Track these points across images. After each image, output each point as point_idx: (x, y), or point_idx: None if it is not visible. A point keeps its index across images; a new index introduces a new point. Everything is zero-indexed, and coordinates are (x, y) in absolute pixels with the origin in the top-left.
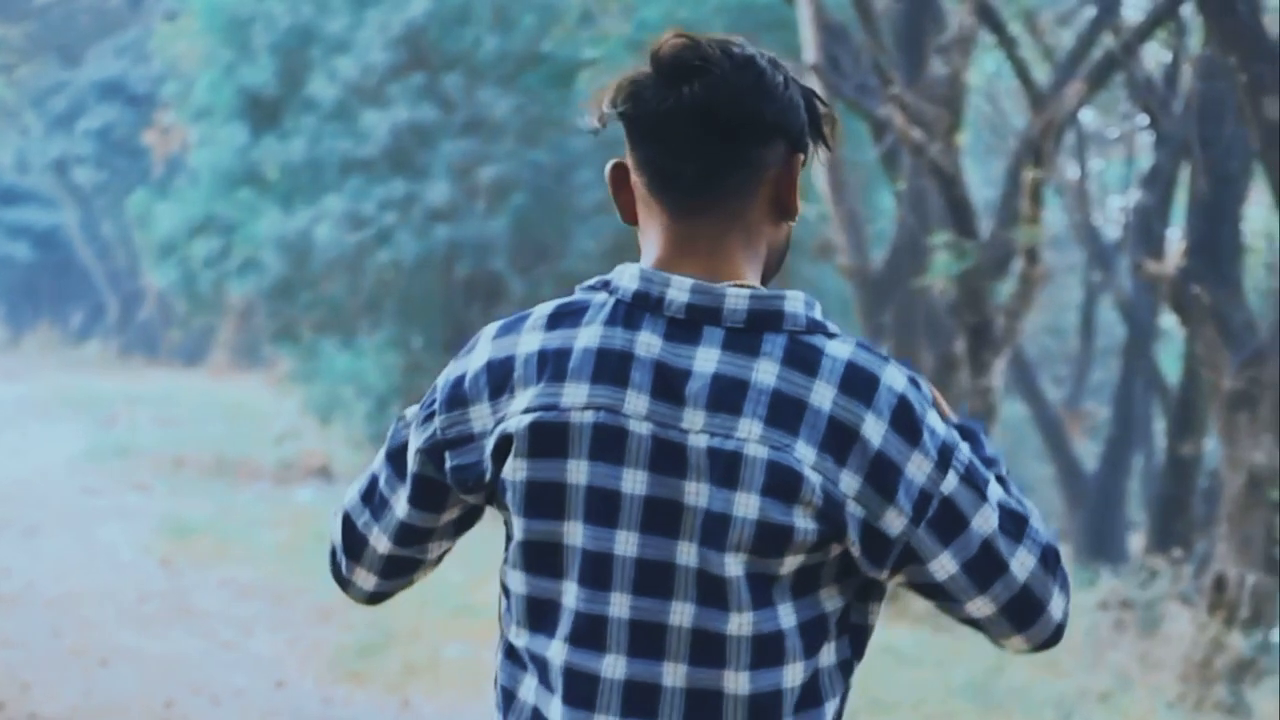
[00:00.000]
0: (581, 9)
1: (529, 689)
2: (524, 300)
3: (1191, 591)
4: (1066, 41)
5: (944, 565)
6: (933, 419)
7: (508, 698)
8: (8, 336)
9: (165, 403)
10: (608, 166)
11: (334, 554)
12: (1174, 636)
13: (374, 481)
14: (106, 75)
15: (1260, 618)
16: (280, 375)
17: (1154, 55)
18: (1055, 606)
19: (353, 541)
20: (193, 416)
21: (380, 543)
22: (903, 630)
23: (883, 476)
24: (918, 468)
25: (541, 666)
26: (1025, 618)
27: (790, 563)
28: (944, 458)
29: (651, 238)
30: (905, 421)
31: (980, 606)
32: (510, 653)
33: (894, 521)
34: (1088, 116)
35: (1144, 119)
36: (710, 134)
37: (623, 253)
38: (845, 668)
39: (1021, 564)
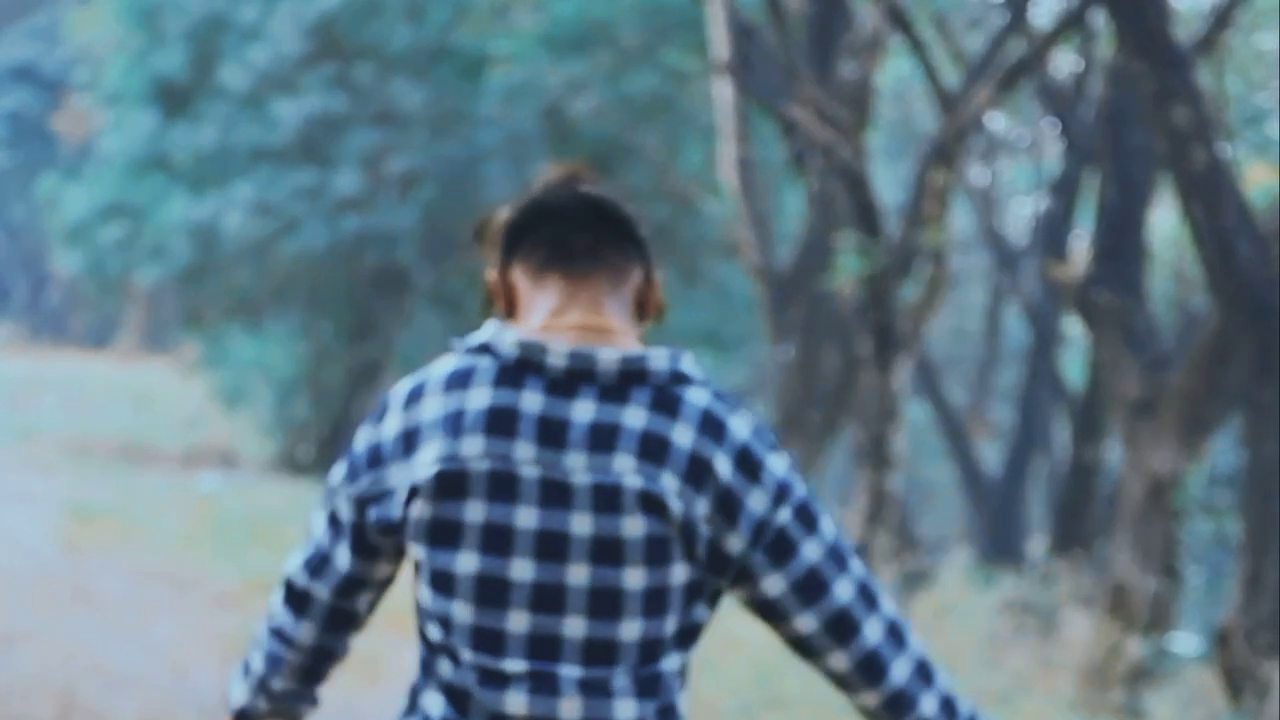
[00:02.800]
0: (493, 3)
1: (444, 666)
2: (431, 291)
3: (1091, 595)
4: (977, 46)
5: (775, 584)
6: (772, 461)
7: (425, 670)
8: None
9: (71, 386)
10: (491, 274)
11: (276, 617)
12: (1073, 640)
13: (317, 546)
14: (17, 58)
15: (1159, 623)
16: (187, 361)
17: (1064, 61)
18: (872, 632)
19: (296, 599)
20: (99, 401)
21: (322, 594)
22: None
23: (728, 506)
24: (757, 501)
25: (455, 661)
26: (843, 636)
27: (679, 571)
28: (780, 494)
29: (543, 302)
30: (747, 462)
31: (805, 623)
32: (428, 645)
33: (734, 543)
34: (997, 121)
35: (1053, 124)
36: (599, 216)
37: None
38: (686, 670)
39: (843, 589)
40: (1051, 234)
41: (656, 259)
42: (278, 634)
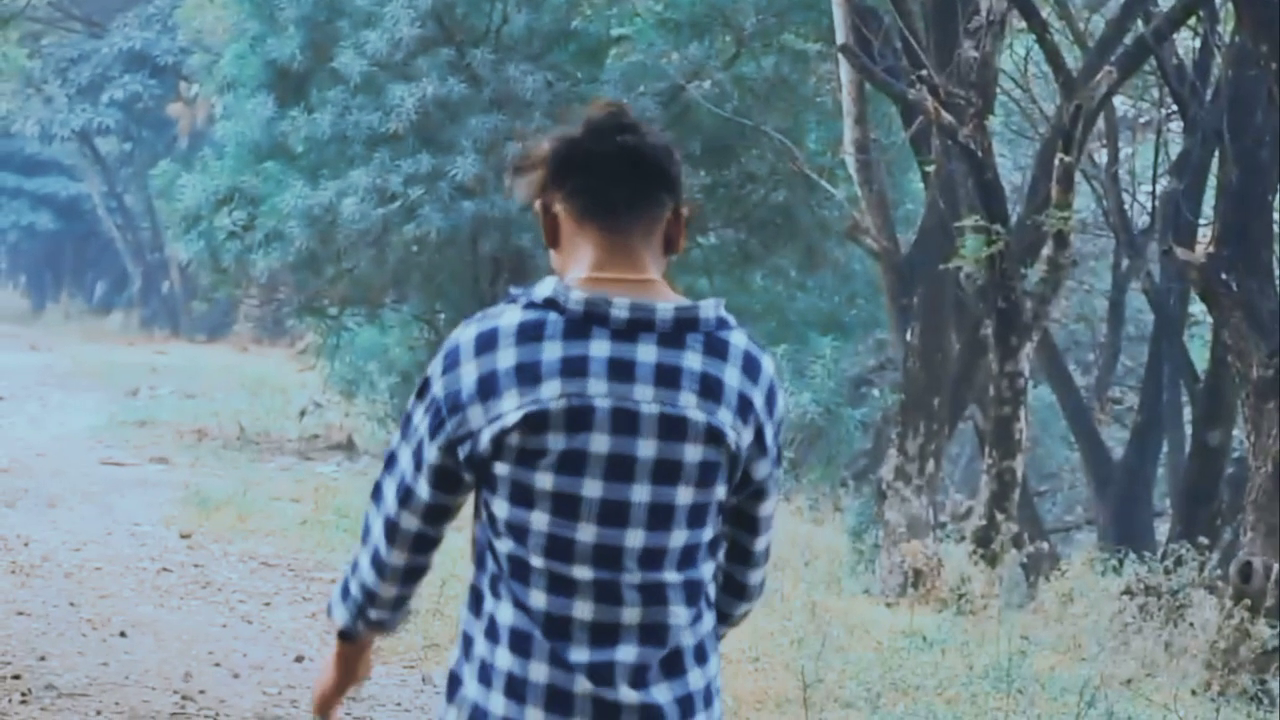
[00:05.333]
0: None
1: (512, 581)
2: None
3: (1218, 579)
4: (1098, 27)
5: (770, 504)
6: (782, 394)
7: (476, 599)
8: (29, 306)
9: (187, 375)
10: (536, 203)
11: (371, 542)
12: (1199, 624)
13: (403, 479)
14: (132, 46)
15: None
16: (304, 349)
17: (1185, 43)
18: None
19: (388, 528)
20: (215, 389)
21: (410, 523)
22: (927, 614)
23: (760, 436)
24: (774, 430)
25: (522, 572)
26: (768, 556)
27: (719, 491)
28: (782, 423)
29: (583, 249)
30: (772, 397)
31: (764, 541)
32: (496, 559)
33: (762, 468)
34: (1118, 103)
35: (1175, 105)
36: (634, 167)
37: None
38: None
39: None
40: (1174, 216)
41: (686, 200)
42: (374, 561)
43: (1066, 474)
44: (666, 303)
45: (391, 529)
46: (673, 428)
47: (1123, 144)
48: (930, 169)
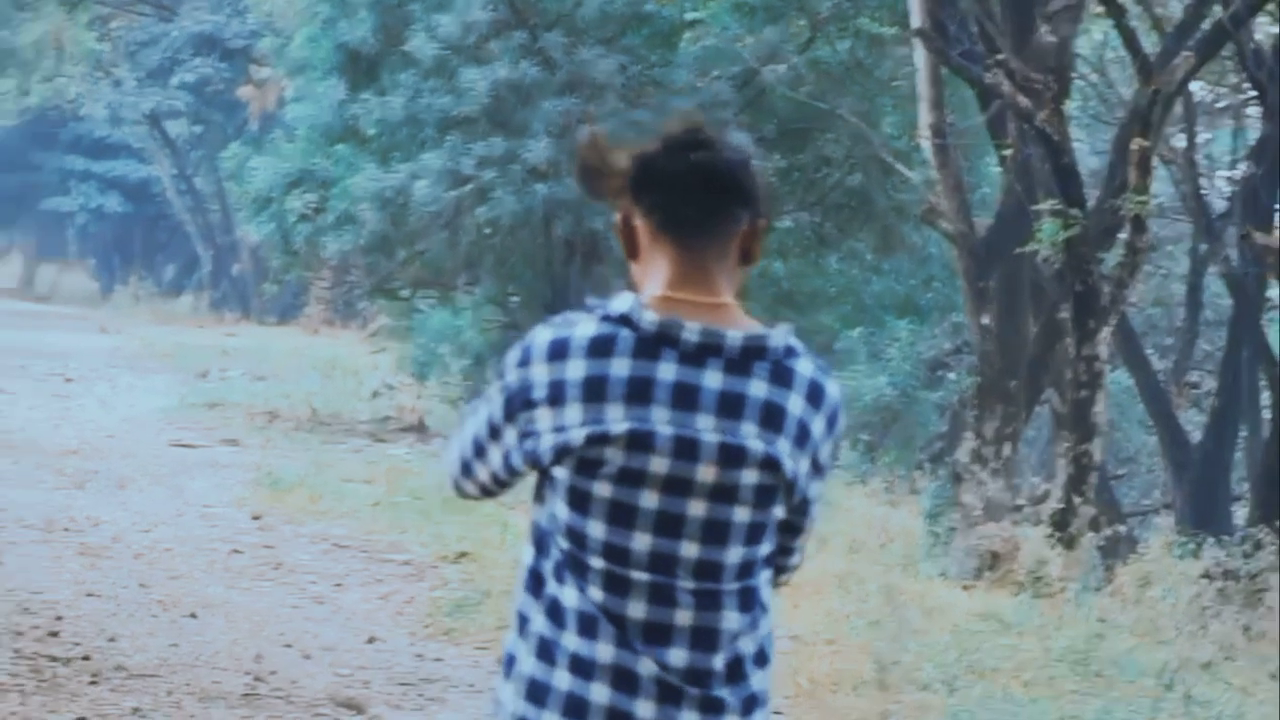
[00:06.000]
0: None
1: (566, 572)
2: (621, 261)
3: None
4: (1175, 11)
5: (815, 512)
6: (842, 417)
7: (537, 582)
8: (99, 289)
9: (258, 357)
10: (618, 216)
11: (451, 473)
12: (1277, 608)
13: (479, 438)
14: (202, 29)
15: None
16: (376, 331)
17: (1264, 27)
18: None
19: (464, 466)
20: (286, 371)
21: (483, 475)
22: (1003, 597)
23: (816, 460)
24: (830, 451)
25: (580, 569)
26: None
27: (776, 511)
28: (837, 445)
29: (659, 265)
30: (833, 421)
31: (805, 538)
32: (559, 549)
33: (815, 489)
34: (1196, 87)
35: (1253, 91)
36: (708, 185)
37: None
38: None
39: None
40: (1253, 200)
41: (767, 209)
42: (452, 477)
43: (1144, 458)
44: (737, 330)
45: (467, 468)
46: (732, 456)
47: (1200, 129)
48: (1007, 153)
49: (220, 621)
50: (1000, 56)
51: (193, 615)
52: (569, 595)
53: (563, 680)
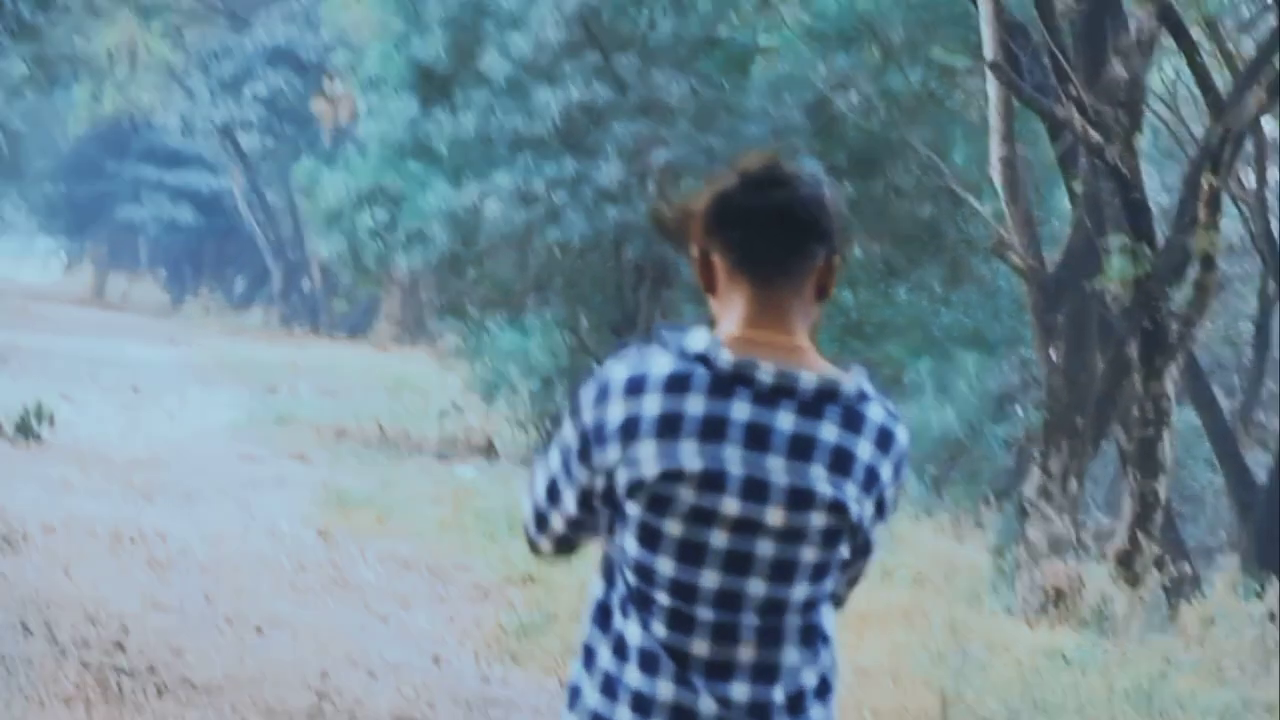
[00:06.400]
0: None
1: (630, 609)
2: (691, 285)
3: None
4: (1248, 48)
5: (875, 551)
6: (907, 462)
7: (604, 615)
8: (169, 300)
9: (327, 373)
10: (695, 251)
11: (526, 526)
12: None
13: (554, 483)
14: (275, 42)
15: None
16: (445, 350)
17: None
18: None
19: (538, 518)
20: (355, 388)
21: (557, 523)
22: (1067, 634)
23: (881, 503)
24: (894, 493)
25: (646, 604)
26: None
27: (842, 550)
28: (901, 487)
29: (735, 302)
30: (900, 466)
31: (861, 569)
32: (626, 584)
33: (880, 532)
34: (1267, 124)
35: None
36: (784, 223)
37: None
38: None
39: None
40: None
41: (843, 243)
42: (527, 533)
43: (1209, 496)
44: (811, 372)
45: (541, 520)
46: (800, 499)
47: (1271, 166)
48: (1077, 187)
49: (286, 637)
50: (1072, 90)
51: (258, 630)
52: (633, 632)
53: (624, 717)
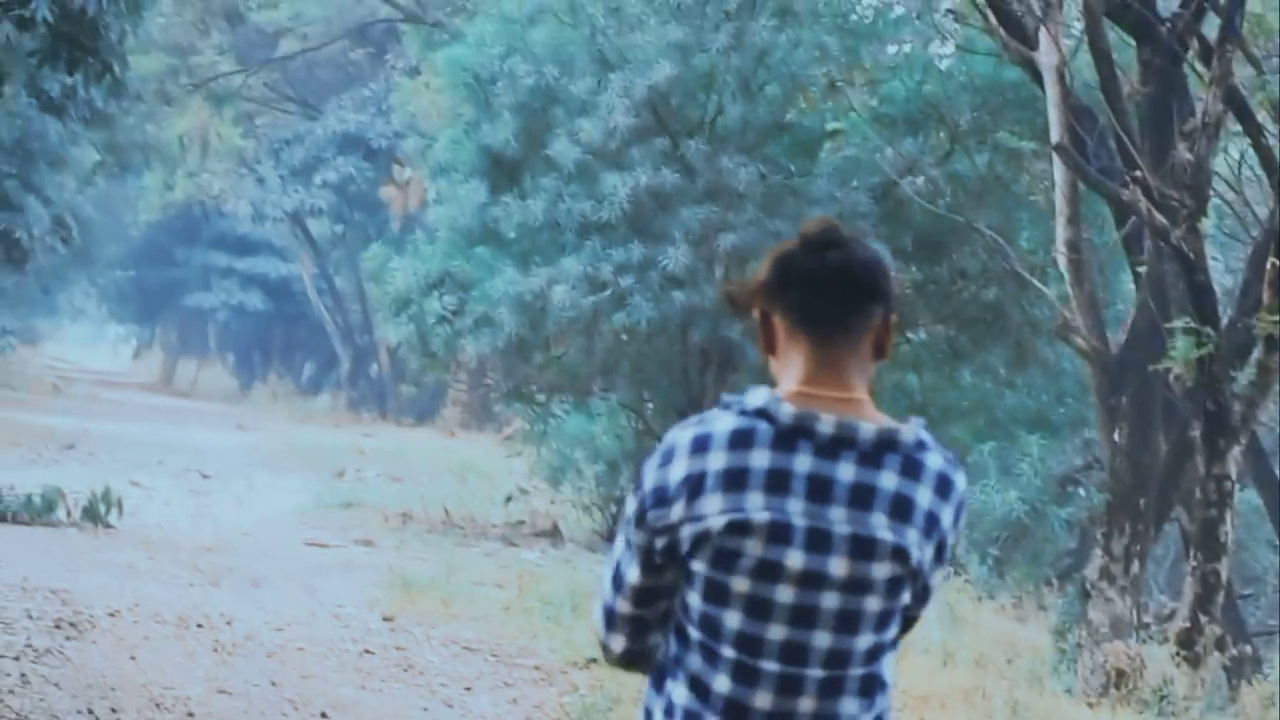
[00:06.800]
0: (826, 81)
1: (694, 661)
2: (758, 369)
3: None
4: None
5: (933, 597)
6: (966, 506)
7: (659, 676)
8: (237, 386)
9: (394, 458)
10: (757, 313)
11: (597, 632)
12: None
13: (617, 566)
14: (346, 128)
15: None
16: (511, 435)
17: None
18: None
19: (606, 614)
20: (421, 473)
21: (623, 607)
22: (1129, 716)
23: (940, 549)
24: (954, 539)
25: (711, 657)
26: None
27: (904, 598)
28: (959, 532)
29: (795, 360)
30: (959, 512)
31: (912, 615)
32: (684, 642)
33: (938, 577)
34: None
35: None
36: (843, 283)
37: None
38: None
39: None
40: None
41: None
42: (600, 643)
43: (1271, 578)
44: (870, 423)
45: (609, 615)
46: (863, 548)
47: None
48: (1142, 269)
49: None
50: (1138, 173)
51: (323, 715)
52: (679, 693)
53: None
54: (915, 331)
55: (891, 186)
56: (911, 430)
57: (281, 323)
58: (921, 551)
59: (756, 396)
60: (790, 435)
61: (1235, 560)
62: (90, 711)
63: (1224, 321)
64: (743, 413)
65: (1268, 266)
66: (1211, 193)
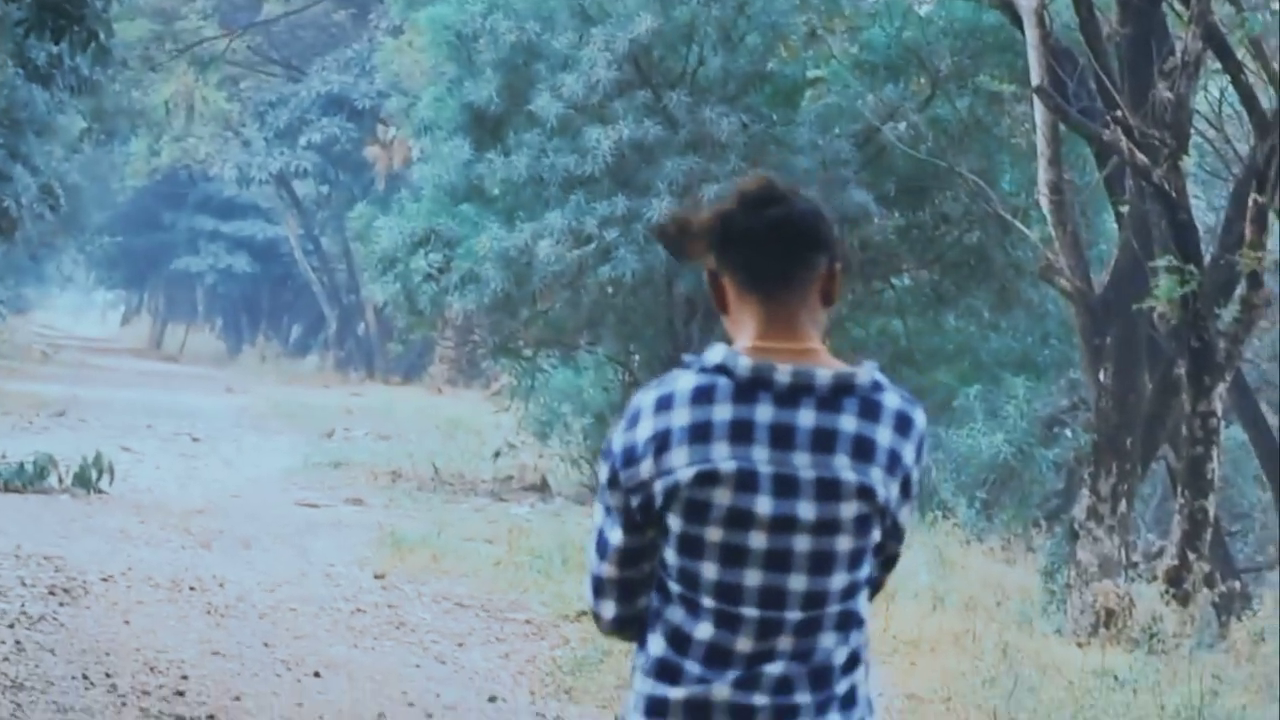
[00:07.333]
0: (806, 30)
1: (674, 613)
2: None
3: None
4: None
5: (904, 534)
6: (926, 443)
7: (655, 616)
8: (225, 349)
9: (382, 417)
10: (705, 273)
11: (588, 603)
12: None
13: (600, 532)
14: (330, 89)
15: None
16: (498, 391)
17: None
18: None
19: (594, 582)
20: (409, 431)
21: (609, 571)
22: (1118, 654)
23: (906, 484)
24: (918, 474)
25: (692, 608)
26: (893, 568)
27: (874, 536)
28: (923, 468)
29: (747, 317)
30: (921, 447)
31: (888, 555)
32: (664, 596)
33: (905, 512)
34: None
35: None
36: (784, 238)
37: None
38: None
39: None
40: None
41: (841, 254)
42: (592, 613)
43: (1258, 514)
44: (826, 369)
45: (597, 583)
46: (829, 489)
47: None
48: (1124, 209)
49: (343, 681)
50: (1118, 113)
51: (316, 674)
52: (655, 644)
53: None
54: (899, 277)
55: (873, 133)
56: (866, 373)
57: (268, 285)
58: (886, 489)
59: (715, 353)
60: (750, 387)
61: (1222, 497)
62: (85, 676)
63: (1207, 259)
64: (703, 370)
65: (1249, 203)
66: (1192, 131)
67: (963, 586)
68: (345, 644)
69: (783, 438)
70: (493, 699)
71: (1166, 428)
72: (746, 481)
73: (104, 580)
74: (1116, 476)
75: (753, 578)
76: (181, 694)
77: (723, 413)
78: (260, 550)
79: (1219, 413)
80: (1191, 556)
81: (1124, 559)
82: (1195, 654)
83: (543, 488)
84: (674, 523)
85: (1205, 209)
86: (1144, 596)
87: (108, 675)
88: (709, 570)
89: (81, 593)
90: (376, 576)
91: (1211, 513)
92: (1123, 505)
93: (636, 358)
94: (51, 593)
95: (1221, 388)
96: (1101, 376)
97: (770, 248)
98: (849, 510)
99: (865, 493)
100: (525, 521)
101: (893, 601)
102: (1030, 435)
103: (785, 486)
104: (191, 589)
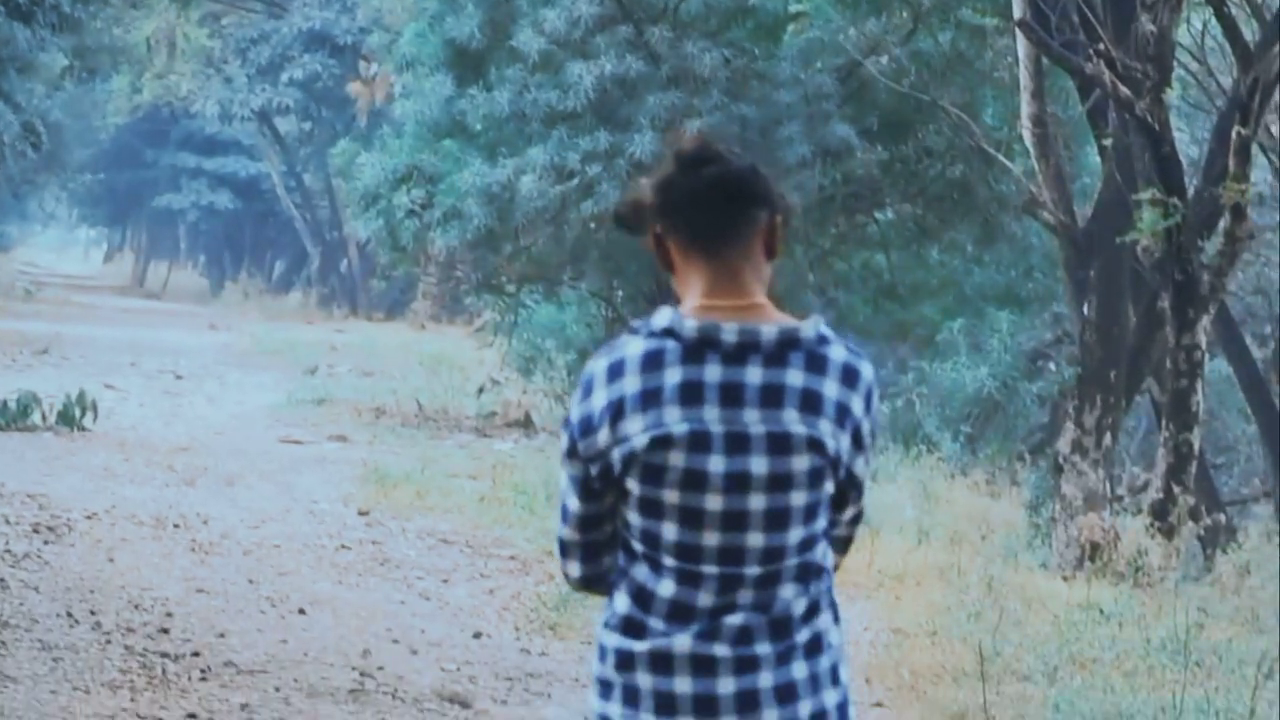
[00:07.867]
0: None
1: (639, 571)
2: None
3: None
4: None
5: (862, 486)
6: (876, 393)
7: (622, 574)
8: (208, 286)
9: (365, 353)
10: (650, 236)
11: (559, 560)
12: None
13: (562, 499)
14: (311, 25)
15: None
16: (482, 327)
17: None
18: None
19: (561, 544)
20: (393, 367)
21: (572, 535)
22: (1103, 587)
23: (858, 436)
24: (869, 427)
25: (655, 566)
26: (859, 519)
27: (827, 488)
28: (875, 419)
29: (693, 276)
30: (869, 398)
31: (855, 510)
32: (629, 555)
33: (860, 463)
34: None
35: None
36: (724, 195)
37: (826, 207)
38: (828, 555)
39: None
40: None
41: (784, 204)
42: (564, 575)
43: (1243, 446)
44: (771, 325)
45: (563, 545)
46: (779, 444)
47: None
48: (1107, 143)
49: (328, 617)
50: (1101, 46)
51: (301, 611)
52: (620, 601)
53: (613, 675)
54: (882, 211)
55: (856, 67)
56: (811, 326)
57: (251, 221)
58: (836, 440)
59: (661, 317)
60: (697, 348)
61: (1207, 430)
62: (69, 614)
63: (1190, 192)
64: (651, 334)
65: (1233, 136)
66: (1175, 63)
67: (947, 521)
68: (330, 580)
69: (732, 396)
70: (477, 635)
71: (1151, 361)
72: (699, 442)
73: (88, 518)
74: (1101, 410)
75: (711, 538)
76: (166, 631)
77: (673, 376)
78: (244, 487)
79: (1203, 346)
80: (1176, 489)
81: (1109, 492)
82: (1180, 587)
83: (526, 424)
84: (633, 486)
85: (1188, 142)
86: (1129, 530)
87: (92, 613)
88: (669, 531)
89: (66, 530)
90: (361, 513)
91: (1196, 446)
92: (1107, 439)
93: (620, 293)
94: (35, 530)
95: (1206, 321)
96: (1086, 310)
97: (710, 205)
98: (800, 464)
99: (815, 445)
100: (509, 457)
101: (878, 536)
102: (1014, 369)
103: (736, 444)
104: (176, 526)
